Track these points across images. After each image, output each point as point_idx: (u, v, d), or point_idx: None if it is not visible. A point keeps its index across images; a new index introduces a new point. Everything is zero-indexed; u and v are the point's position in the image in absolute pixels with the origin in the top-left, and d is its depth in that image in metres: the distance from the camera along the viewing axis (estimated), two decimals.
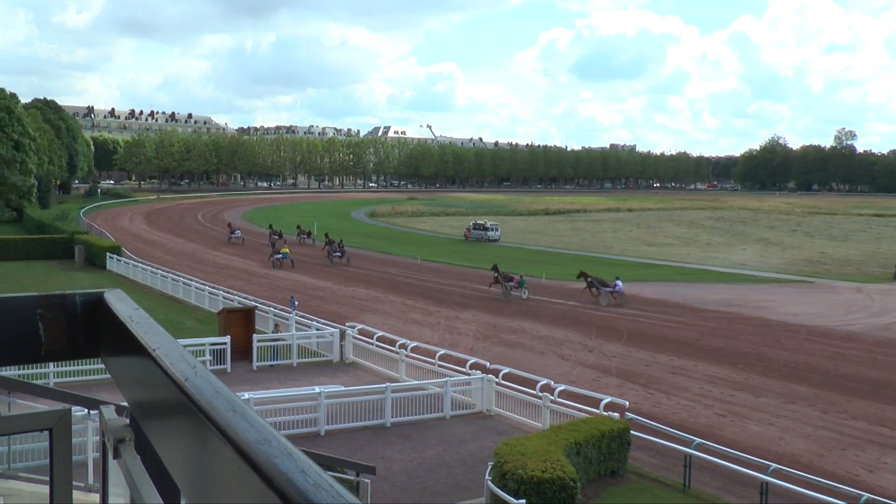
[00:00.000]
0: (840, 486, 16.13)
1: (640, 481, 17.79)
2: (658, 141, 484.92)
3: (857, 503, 15.49)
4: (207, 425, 1.10)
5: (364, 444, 19.20)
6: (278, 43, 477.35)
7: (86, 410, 10.20)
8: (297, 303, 34.27)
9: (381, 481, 15.80)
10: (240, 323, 27.57)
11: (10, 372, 14.44)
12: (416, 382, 22.95)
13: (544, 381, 21.50)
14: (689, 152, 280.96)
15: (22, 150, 78.09)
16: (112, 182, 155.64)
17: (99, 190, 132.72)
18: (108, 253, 50.62)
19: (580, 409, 19.42)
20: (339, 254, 55.37)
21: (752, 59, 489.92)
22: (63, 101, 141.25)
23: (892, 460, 19.62)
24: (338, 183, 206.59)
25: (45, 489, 1.97)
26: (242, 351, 26.48)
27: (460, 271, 51.75)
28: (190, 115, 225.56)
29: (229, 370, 25.35)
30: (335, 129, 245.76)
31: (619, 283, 41.14)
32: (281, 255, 53.20)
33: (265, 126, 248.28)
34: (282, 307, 33.27)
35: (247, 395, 18.93)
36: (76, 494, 2.07)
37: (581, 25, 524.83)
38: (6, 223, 76.47)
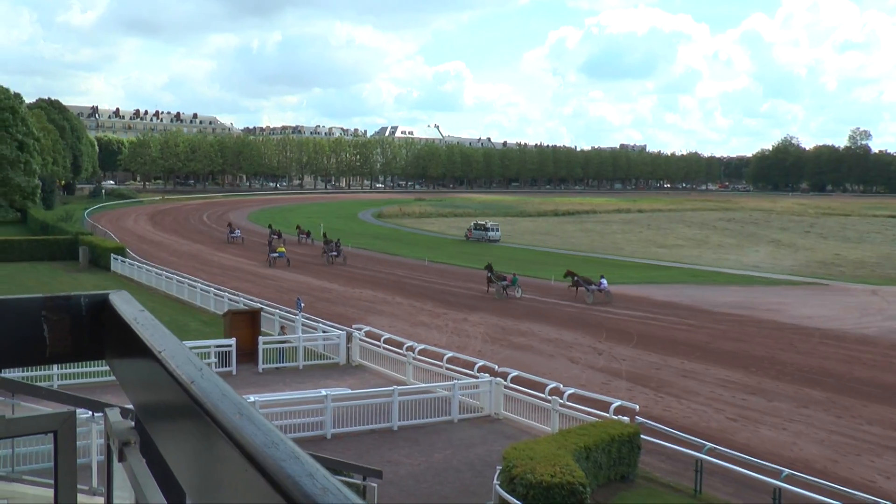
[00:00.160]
0: (855, 492, 16.06)
1: (651, 486, 17.74)
2: (669, 141, 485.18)
3: None
4: (214, 428, 1.10)
5: (371, 448, 19.20)
6: (284, 42, 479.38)
7: (90, 413, 10.23)
8: (303, 304, 34.31)
9: (388, 485, 15.80)
10: (245, 325, 27.63)
11: (14, 374, 14.50)
12: (424, 385, 22.95)
13: (553, 385, 21.47)
14: (700, 152, 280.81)
15: (26, 150, 78.48)
16: (112, 182, 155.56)
17: (103, 191, 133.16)
18: (112, 254, 50.77)
19: (590, 413, 19.38)
20: (335, 253, 56.26)
21: (764, 58, 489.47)
22: (67, 101, 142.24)
23: None
24: (344, 183, 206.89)
25: (50, 492, 1.97)
26: (248, 353, 26.52)
27: (468, 273, 51.71)
28: (195, 116, 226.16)
29: (234, 372, 25.40)
30: (342, 129, 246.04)
31: (605, 281, 42.24)
32: (277, 255, 54.46)
33: (271, 126, 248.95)
34: (288, 309, 33.32)
35: (252, 398, 18.94)
36: (80, 497, 2.07)
37: (590, 24, 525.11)
38: (10, 224, 76.77)
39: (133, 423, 1.72)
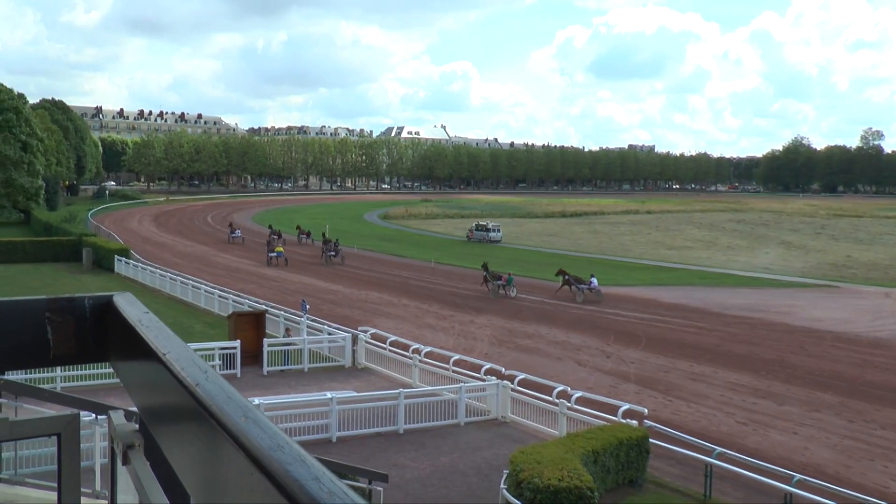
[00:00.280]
0: (868, 498, 15.99)
1: (660, 491, 17.70)
2: (677, 141, 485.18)
3: None
4: (219, 431, 1.10)
5: (376, 451, 19.21)
6: (289, 42, 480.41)
7: (93, 415, 10.25)
8: (308, 306, 34.35)
9: (394, 489, 15.80)
10: (250, 327, 27.66)
11: (17, 376, 14.53)
12: (430, 388, 22.95)
13: (561, 388, 21.44)
14: (709, 153, 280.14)
15: (29, 151, 78.74)
16: (113, 183, 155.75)
17: (107, 192, 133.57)
18: (116, 255, 50.90)
19: (598, 417, 19.35)
20: (333, 253, 56.86)
21: (774, 57, 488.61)
22: (71, 101, 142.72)
23: None
24: (350, 184, 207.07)
25: (53, 495, 1.97)
26: (253, 355, 26.55)
27: (475, 275, 51.60)
28: (200, 116, 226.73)
29: (239, 375, 25.42)
30: (347, 129, 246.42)
31: (595, 280, 43.17)
32: (275, 254, 55.52)
33: (276, 126, 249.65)
34: (293, 311, 33.36)
35: (257, 401, 18.96)
36: (84, 501, 2.08)
37: (598, 23, 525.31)
38: (14, 225, 77.08)
39: (137, 426, 1.72)
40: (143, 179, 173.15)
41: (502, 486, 15.41)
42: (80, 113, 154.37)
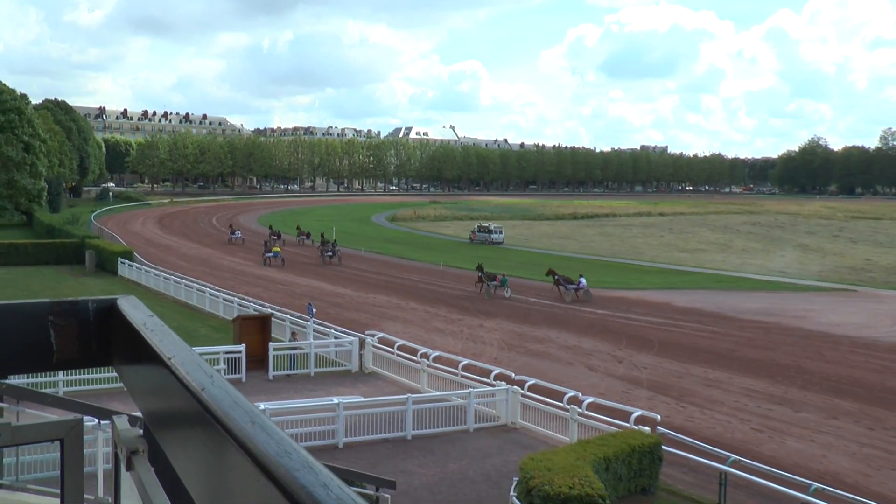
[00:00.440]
0: None
1: (673, 499, 17.65)
2: (691, 142, 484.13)
3: None
4: (225, 437, 1.10)
5: (384, 458, 19.21)
6: (296, 41, 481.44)
7: (96, 420, 10.28)
8: (314, 310, 34.39)
9: (402, 496, 15.79)
10: (255, 331, 27.71)
11: (19, 380, 14.60)
12: (439, 394, 22.94)
13: (572, 393, 21.41)
14: (723, 154, 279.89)
15: (32, 152, 79.17)
16: (112, 184, 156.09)
17: (110, 193, 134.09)
18: (119, 258, 51.04)
19: (609, 423, 19.31)
20: (330, 253, 58.08)
21: (790, 56, 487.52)
22: (74, 101, 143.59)
23: None
24: (358, 186, 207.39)
25: (56, 501, 1.98)
26: (258, 360, 26.60)
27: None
28: (205, 116, 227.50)
29: (244, 379, 25.48)
30: (355, 130, 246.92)
31: (584, 280, 44.25)
32: (272, 254, 56.91)
33: (282, 127, 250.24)
34: (299, 314, 33.41)
35: (262, 406, 19.00)
36: None
37: (610, 21, 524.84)
38: (16, 227, 77.41)
39: (141, 431, 1.73)
40: (146, 181, 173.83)
41: (512, 493, 15.39)
42: (84, 113, 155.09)
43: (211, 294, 38.98)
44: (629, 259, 67.03)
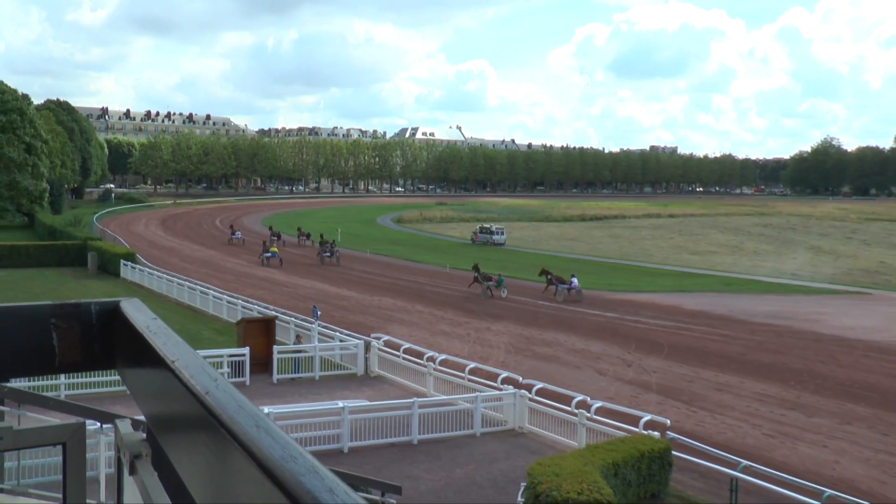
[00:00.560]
0: None
1: None
2: (701, 142, 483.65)
3: None
4: (229, 441, 1.10)
5: (390, 462, 19.22)
6: (301, 40, 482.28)
7: (98, 424, 10.30)
8: (319, 313, 34.44)
9: (408, 501, 15.78)
10: (259, 333, 27.74)
11: (21, 384, 14.63)
12: (445, 397, 22.94)
13: (580, 398, 21.40)
14: (734, 154, 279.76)
15: (34, 153, 79.36)
16: (112, 185, 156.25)
17: (113, 194, 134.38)
18: (122, 260, 51.15)
19: (618, 428, 19.28)
20: (328, 254, 58.95)
21: (802, 55, 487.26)
22: (77, 101, 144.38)
23: None
24: (363, 187, 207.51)
25: None
26: (262, 363, 26.63)
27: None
28: (208, 117, 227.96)
29: (248, 383, 25.51)
30: (360, 130, 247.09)
31: (575, 280, 45.17)
32: (269, 254, 57.72)
33: (287, 127, 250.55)
34: (304, 317, 33.43)
35: (267, 410, 19.02)
36: None
37: (619, 20, 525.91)
38: (17, 229, 77.66)
39: (144, 435, 1.73)
40: (149, 182, 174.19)
41: (519, 498, 15.38)
42: (86, 114, 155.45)
43: (214, 296, 39.04)
44: (638, 261, 66.93)
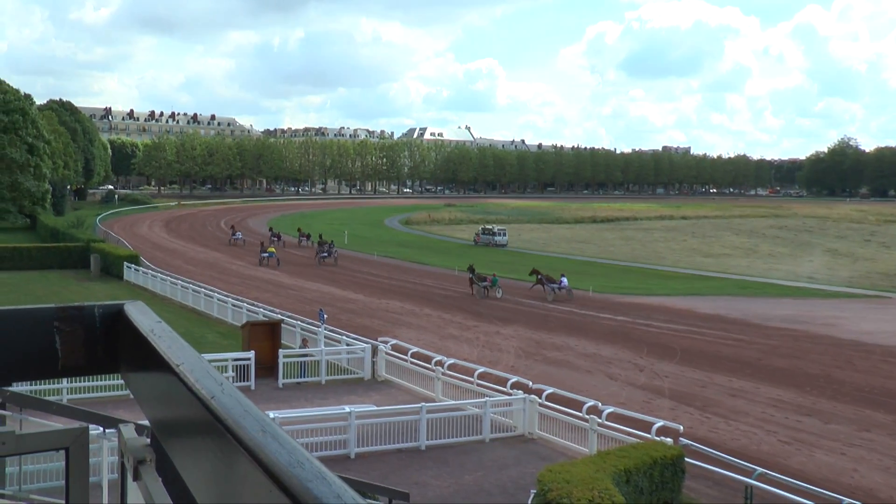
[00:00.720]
0: None
1: None
2: (715, 143, 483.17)
3: None
4: (235, 446, 1.10)
5: (397, 468, 19.22)
6: (307, 39, 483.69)
7: (101, 429, 10.33)
8: (325, 316, 34.47)
9: None
10: (265, 337, 27.78)
11: (22, 388, 14.68)
12: (454, 402, 22.92)
13: (591, 403, 21.36)
14: (749, 155, 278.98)
15: (36, 153, 79.73)
16: (112, 187, 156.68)
17: (116, 196, 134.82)
18: (125, 262, 51.33)
19: (630, 434, 19.24)
20: (326, 254, 60.32)
21: (819, 53, 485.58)
22: (80, 102, 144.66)
23: None
24: (370, 188, 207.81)
25: None
26: (267, 367, 26.66)
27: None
28: (213, 117, 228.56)
29: (253, 387, 25.54)
30: (367, 130, 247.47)
31: (565, 279, 46.57)
32: (267, 254, 59.16)
33: (293, 128, 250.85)
34: (310, 320, 33.48)
35: (272, 415, 19.03)
36: None
37: (631, 18, 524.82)
38: (19, 230, 77.99)
39: (148, 440, 1.73)
40: (153, 183, 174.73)
41: None
42: (89, 114, 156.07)
43: (219, 299, 39.12)
44: (650, 264, 66.83)
